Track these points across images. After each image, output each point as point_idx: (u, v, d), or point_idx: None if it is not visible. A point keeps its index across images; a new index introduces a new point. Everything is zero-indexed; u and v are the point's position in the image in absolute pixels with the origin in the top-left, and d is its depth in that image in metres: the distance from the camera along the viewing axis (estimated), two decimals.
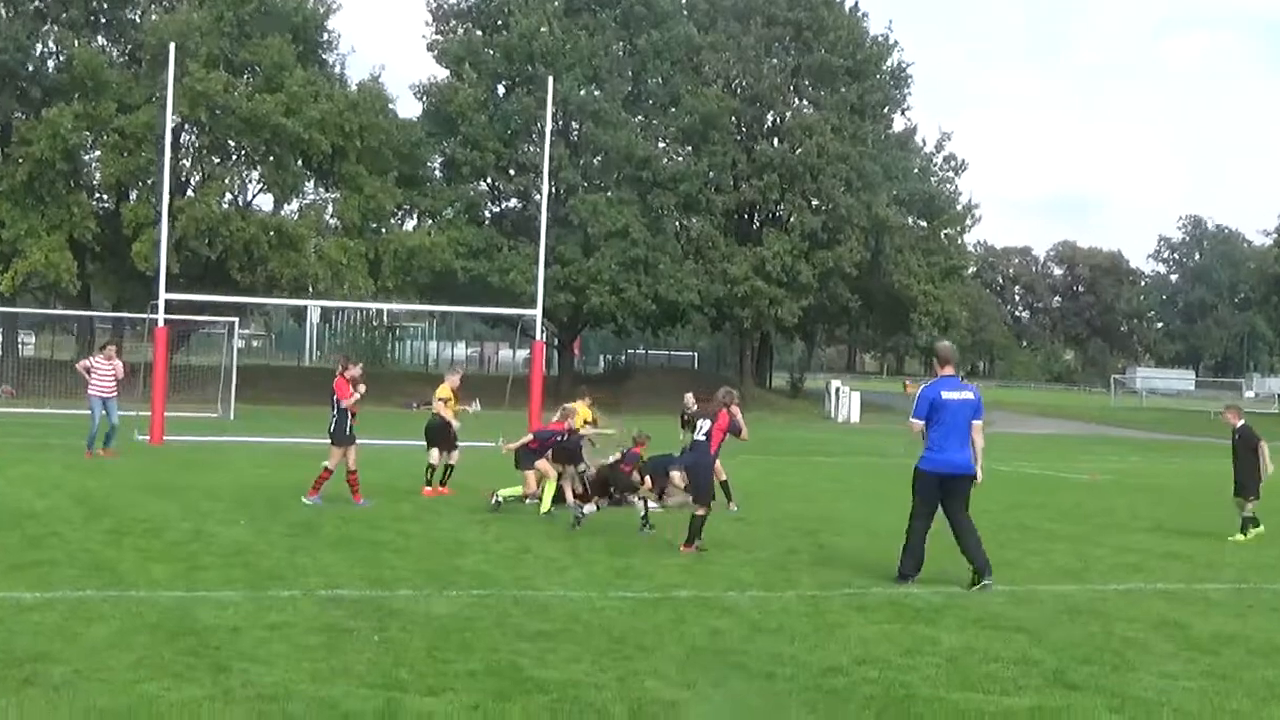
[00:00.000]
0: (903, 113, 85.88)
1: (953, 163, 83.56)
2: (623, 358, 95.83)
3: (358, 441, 21.72)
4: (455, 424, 23.55)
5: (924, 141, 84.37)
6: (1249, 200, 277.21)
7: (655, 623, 12.40)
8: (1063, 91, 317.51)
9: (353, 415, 21.37)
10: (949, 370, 15.60)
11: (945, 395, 15.30)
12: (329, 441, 21.43)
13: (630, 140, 69.07)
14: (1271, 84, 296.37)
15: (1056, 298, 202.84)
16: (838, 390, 73.79)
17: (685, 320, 77.93)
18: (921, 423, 15.36)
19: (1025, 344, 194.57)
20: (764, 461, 34.38)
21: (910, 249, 77.48)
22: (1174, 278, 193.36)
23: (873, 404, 76.51)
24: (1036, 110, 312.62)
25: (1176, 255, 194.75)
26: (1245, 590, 16.13)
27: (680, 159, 72.84)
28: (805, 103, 78.22)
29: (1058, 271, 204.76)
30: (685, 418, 20.66)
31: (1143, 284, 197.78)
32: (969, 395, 15.47)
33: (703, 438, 17.98)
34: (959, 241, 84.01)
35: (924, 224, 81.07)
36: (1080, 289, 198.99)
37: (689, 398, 24.87)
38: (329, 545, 16.78)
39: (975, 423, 15.38)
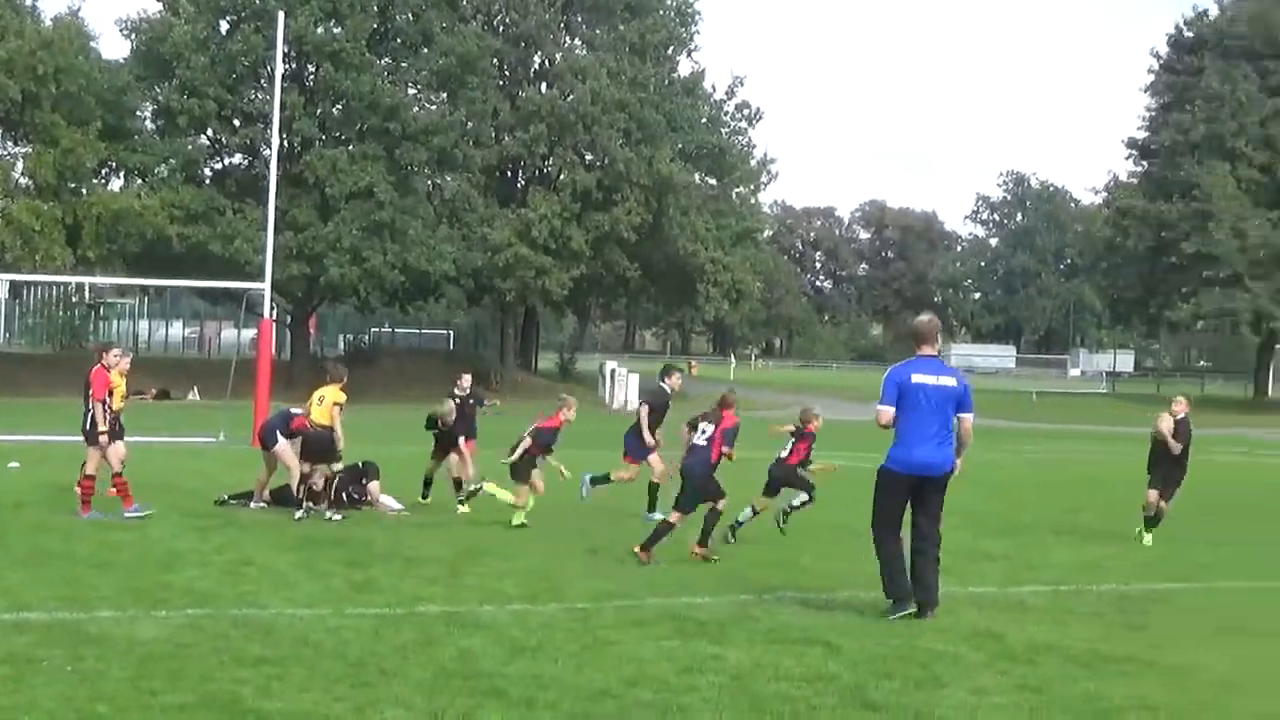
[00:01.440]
0: (689, 54, 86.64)
1: (746, 112, 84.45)
2: (366, 338, 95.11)
3: (123, 439, 21.19)
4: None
5: (713, 88, 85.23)
6: (1077, 156, 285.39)
7: (398, 643, 12.33)
8: (873, 34, 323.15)
9: (111, 410, 20.82)
10: (927, 349, 14.55)
11: (918, 379, 14.34)
12: (85, 442, 20.92)
13: (375, 86, 68.53)
14: (1102, 32, 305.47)
15: (863, 265, 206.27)
16: (613, 372, 74.10)
17: (439, 294, 77.60)
18: (890, 411, 14.37)
19: (827, 318, 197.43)
20: None
21: (697, 210, 78.02)
22: (994, 241, 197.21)
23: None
24: (843, 54, 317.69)
25: (997, 216, 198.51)
26: (1064, 593, 16.62)
27: (433, 107, 72.54)
28: (578, 42, 78.54)
29: (864, 235, 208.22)
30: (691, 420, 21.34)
31: (959, 249, 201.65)
32: (950, 381, 14.49)
33: (704, 442, 18.40)
34: (752, 201, 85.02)
35: (713, 181, 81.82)
36: (890, 255, 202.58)
37: (466, 379, 24.95)
38: (17, 562, 16.36)
39: (964, 418, 14.48)
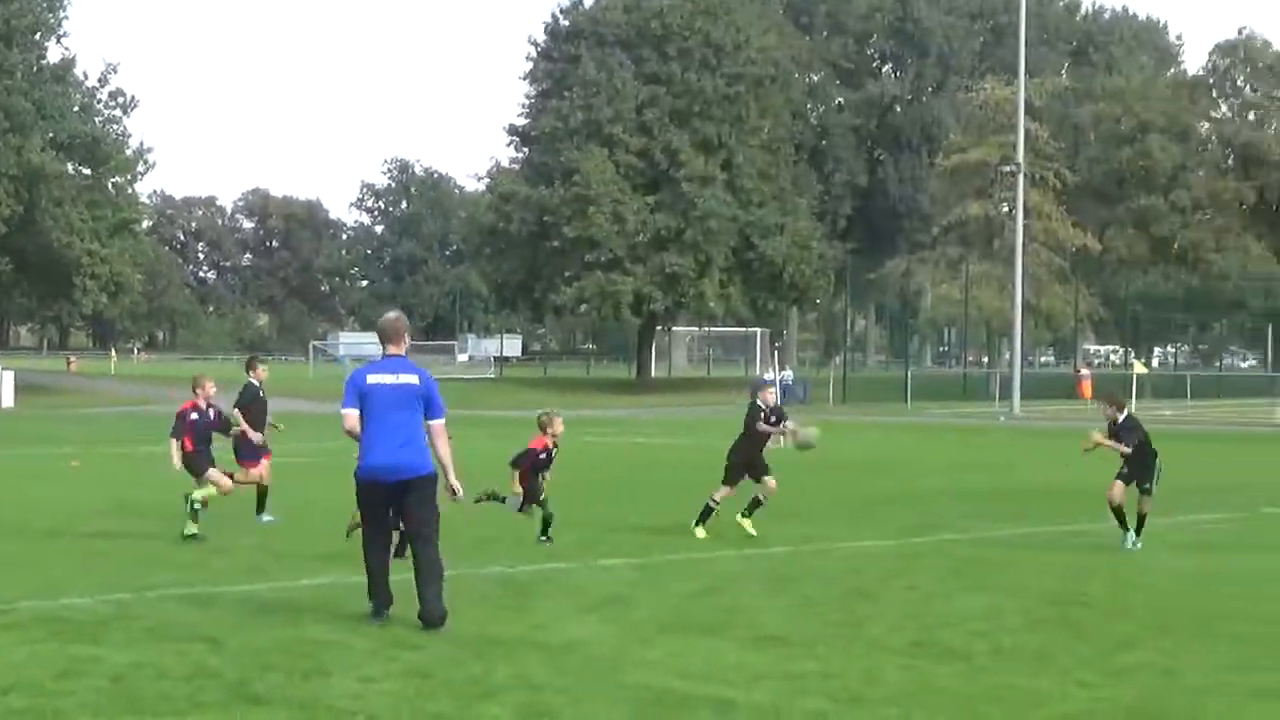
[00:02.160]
0: (59, 40, 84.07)
1: (120, 100, 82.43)
2: None
3: None
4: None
5: (85, 75, 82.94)
6: (461, 143, 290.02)
7: None
8: (246, 20, 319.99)
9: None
10: (393, 349, 13.98)
11: (374, 379, 13.74)
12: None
13: None
14: (484, 19, 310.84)
15: (247, 255, 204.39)
16: None
17: None
18: (353, 414, 13.67)
19: (212, 309, 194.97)
20: None
21: (71, 201, 75.95)
22: (380, 229, 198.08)
23: (36, 386, 74.48)
24: (219, 41, 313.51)
25: (382, 204, 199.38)
26: (453, 578, 16.88)
27: None
28: None
29: (248, 224, 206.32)
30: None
31: (345, 237, 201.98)
32: (411, 379, 13.85)
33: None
34: (129, 191, 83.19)
35: (87, 171, 79.68)
36: (274, 244, 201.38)
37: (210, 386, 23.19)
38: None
39: (433, 424, 13.83)
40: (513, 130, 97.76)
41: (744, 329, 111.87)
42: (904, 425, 57.05)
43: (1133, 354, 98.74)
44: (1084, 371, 76.70)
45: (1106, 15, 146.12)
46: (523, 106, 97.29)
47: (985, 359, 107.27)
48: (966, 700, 10.96)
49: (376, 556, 13.98)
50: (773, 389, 23.49)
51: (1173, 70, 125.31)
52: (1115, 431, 20.82)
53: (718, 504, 21.39)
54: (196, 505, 20.10)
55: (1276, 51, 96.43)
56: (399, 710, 10.45)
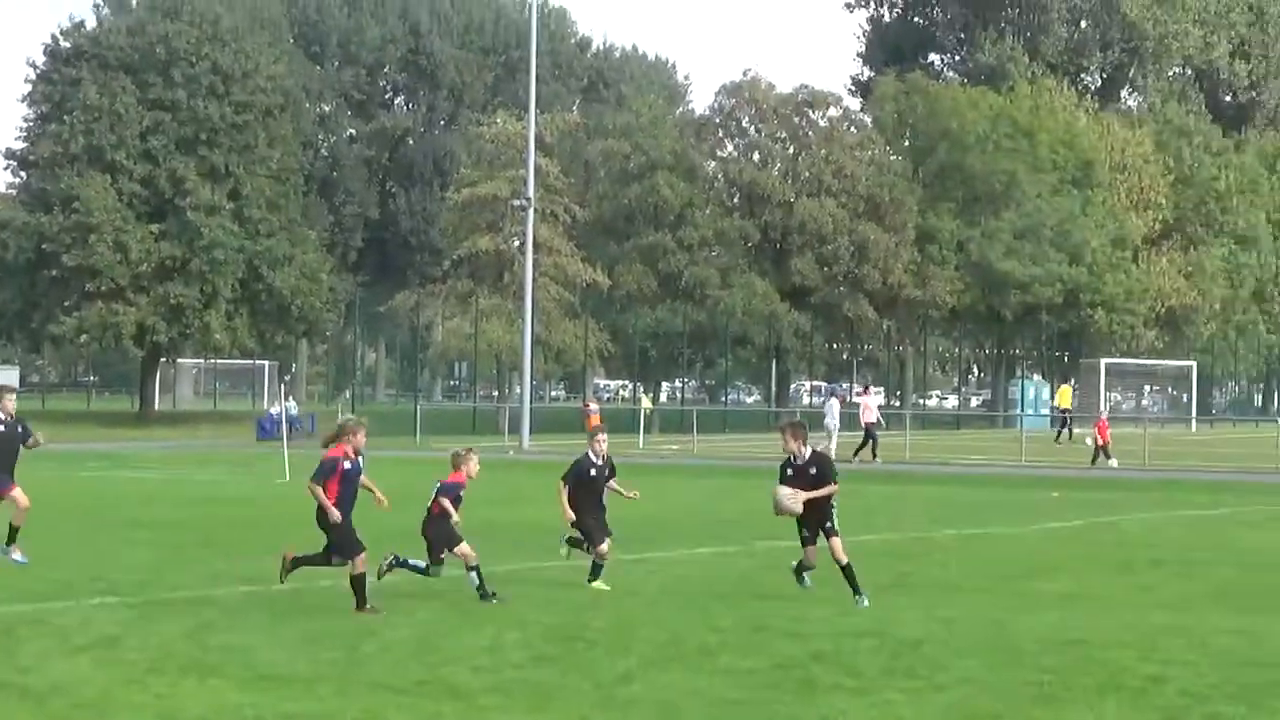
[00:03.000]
0: None
1: None
2: None
3: None
4: None
5: None
6: None
7: None
8: None
9: None
10: None
11: None
12: None
13: None
14: None
15: None
16: None
17: None
18: None
19: None
20: None
21: None
22: None
23: None
24: None
25: None
26: None
27: None
28: None
29: None
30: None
31: None
32: None
33: None
34: None
35: None
36: None
37: None
38: None
39: None
40: (10, 154, 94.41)
41: (252, 361, 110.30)
42: (414, 460, 56.99)
43: (641, 389, 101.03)
44: (593, 406, 78.04)
45: (617, 53, 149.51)
46: (20, 130, 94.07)
47: (496, 393, 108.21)
48: None
49: None
50: (602, 437, 20.54)
51: (681, 109, 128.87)
52: (803, 468, 18.60)
53: (605, 557, 20.12)
54: None
55: (780, 94, 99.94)
56: None
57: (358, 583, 17.65)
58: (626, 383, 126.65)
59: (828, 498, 18.68)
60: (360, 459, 18.40)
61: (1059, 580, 21.48)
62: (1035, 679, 13.79)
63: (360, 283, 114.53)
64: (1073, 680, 13.74)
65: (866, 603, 18.19)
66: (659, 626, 16.71)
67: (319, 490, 17.72)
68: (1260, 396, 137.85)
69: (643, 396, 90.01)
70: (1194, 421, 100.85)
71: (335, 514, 17.53)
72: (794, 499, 18.32)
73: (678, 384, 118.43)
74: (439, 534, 18.70)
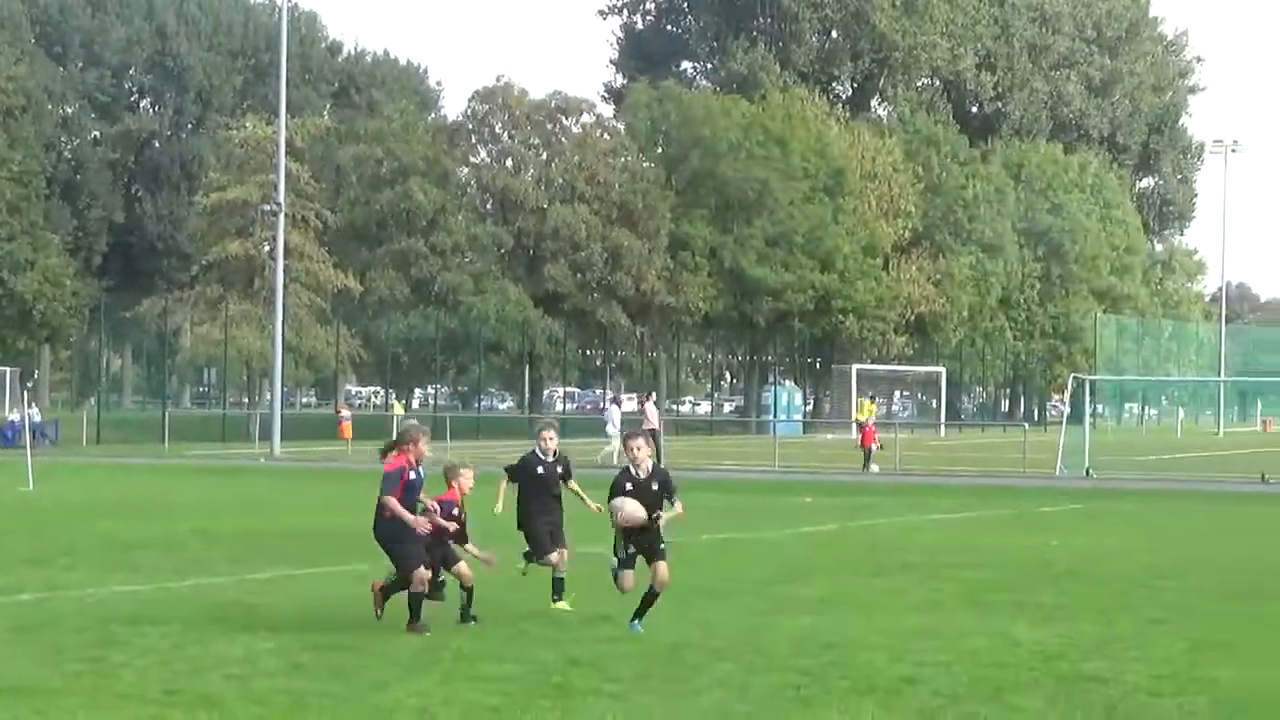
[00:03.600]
0: None
1: None
2: None
3: None
4: None
5: None
6: None
7: None
8: None
9: None
10: None
11: None
12: None
13: None
14: None
15: None
16: None
17: None
18: None
19: None
20: None
21: None
22: None
23: None
24: None
25: None
26: None
27: None
28: None
29: None
30: None
31: None
32: None
33: None
34: None
35: None
36: None
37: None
38: None
39: None
40: None
41: None
42: (162, 467, 56.12)
43: (394, 395, 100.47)
44: (345, 413, 77.55)
45: (369, 58, 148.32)
46: None
47: (246, 399, 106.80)
48: None
49: None
50: (549, 434, 19.15)
51: (433, 115, 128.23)
52: (644, 483, 16.77)
53: (560, 570, 18.57)
54: None
55: (533, 100, 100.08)
56: None
57: (414, 600, 16.77)
58: (379, 389, 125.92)
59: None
60: (422, 470, 17.22)
61: (814, 584, 21.77)
62: (791, 682, 13.97)
63: (105, 288, 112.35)
64: (828, 683, 13.95)
65: (641, 630, 16.75)
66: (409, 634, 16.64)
67: (394, 503, 16.51)
68: (1007, 401, 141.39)
69: (395, 403, 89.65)
70: (943, 427, 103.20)
71: (423, 525, 16.60)
72: (640, 510, 16.49)
73: (430, 390, 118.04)
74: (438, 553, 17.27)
